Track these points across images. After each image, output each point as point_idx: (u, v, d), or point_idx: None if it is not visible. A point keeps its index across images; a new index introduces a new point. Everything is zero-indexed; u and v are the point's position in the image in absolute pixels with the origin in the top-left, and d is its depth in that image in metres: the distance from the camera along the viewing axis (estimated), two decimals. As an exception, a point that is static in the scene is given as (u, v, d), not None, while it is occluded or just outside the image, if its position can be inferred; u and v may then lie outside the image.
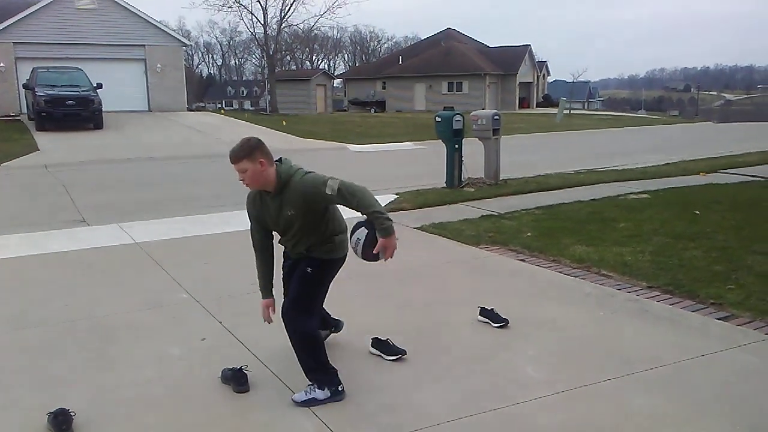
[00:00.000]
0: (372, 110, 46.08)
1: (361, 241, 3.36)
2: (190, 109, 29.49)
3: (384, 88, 50.74)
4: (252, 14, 48.10)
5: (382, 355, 3.97)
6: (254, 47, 65.21)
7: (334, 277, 3.63)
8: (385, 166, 14.50)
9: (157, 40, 26.96)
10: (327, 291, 3.65)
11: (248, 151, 3.29)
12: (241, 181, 3.37)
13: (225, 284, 5.50)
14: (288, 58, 65.19)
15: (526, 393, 3.52)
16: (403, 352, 3.96)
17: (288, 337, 3.49)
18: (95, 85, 20.79)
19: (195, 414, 3.33)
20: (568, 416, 3.31)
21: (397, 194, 9.70)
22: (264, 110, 42.32)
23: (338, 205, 3.46)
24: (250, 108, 64.81)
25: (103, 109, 20.30)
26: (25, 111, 22.96)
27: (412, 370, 3.84)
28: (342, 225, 3.57)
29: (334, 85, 62.68)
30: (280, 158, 3.43)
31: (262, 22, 36.72)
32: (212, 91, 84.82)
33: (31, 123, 20.64)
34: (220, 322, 4.61)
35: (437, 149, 11.62)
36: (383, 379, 3.73)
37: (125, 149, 16.93)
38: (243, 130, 21.80)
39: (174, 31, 28.29)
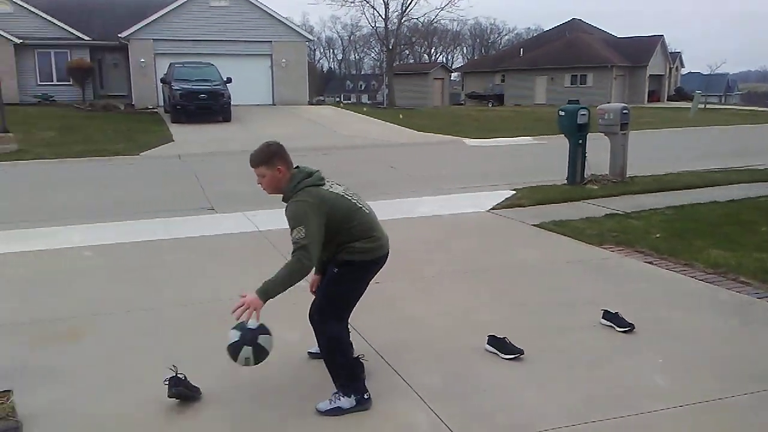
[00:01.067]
0: (490, 104, 45.40)
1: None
2: (310, 103, 30.41)
3: (503, 81, 49.76)
4: (374, 8, 48.97)
5: (498, 353, 3.88)
6: (374, 41, 66.17)
7: (365, 281, 3.38)
8: (502, 161, 14.23)
9: (283, 36, 28.00)
10: (358, 296, 3.40)
11: (267, 157, 3.23)
12: (259, 185, 3.33)
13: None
14: (407, 51, 65.67)
15: (651, 403, 3.31)
16: (521, 352, 3.85)
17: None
18: (225, 79, 21.93)
19: (313, 398, 3.40)
20: (695, 431, 3.08)
21: (514, 190, 9.49)
22: (381, 104, 42.88)
23: (358, 213, 3.29)
24: (368, 102, 65.92)
25: (232, 103, 21.39)
26: (162, 104, 24.64)
27: (529, 370, 3.73)
28: (363, 232, 3.28)
29: (452, 78, 62.32)
30: (297, 167, 3.32)
31: (383, 17, 37.23)
32: (332, 84, 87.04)
33: (166, 115, 22.11)
34: (337, 311, 4.69)
35: (558, 144, 11.24)
36: (499, 377, 3.65)
37: (250, 141, 17.65)
38: (360, 123, 22.21)
39: (299, 26, 29.26)
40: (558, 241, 6.76)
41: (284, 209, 3.22)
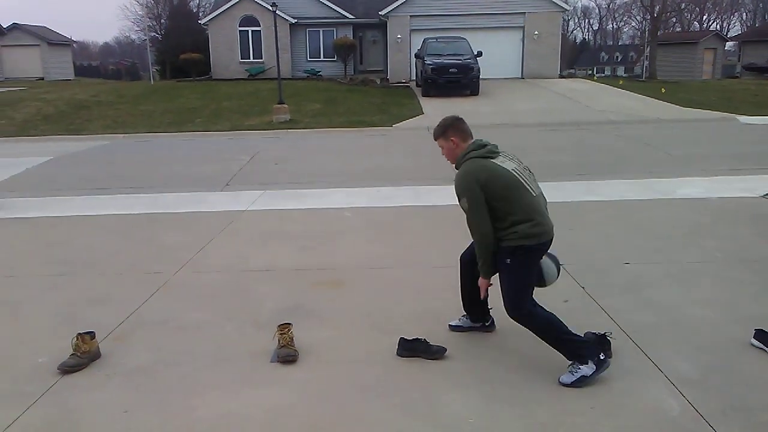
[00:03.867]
0: (771, 76, 39.64)
1: None
2: (561, 76, 29.38)
3: (790, 50, 43.06)
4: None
5: (766, 349, 3.51)
6: (635, 9, 61.61)
7: (535, 263, 3.39)
8: (784, 141, 12.45)
9: (537, 6, 27.27)
10: (535, 276, 3.42)
11: (441, 130, 3.48)
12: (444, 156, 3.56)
13: (589, 253, 5.45)
14: (674, 19, 59.91)
15: None
16: (794, 350, 3.44)
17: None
18: (476, 53, 22.16)
19: (548, 370, 3.41)
20: None
21: (797, 173, 8.30)
22: (639, 77, 39.87)
23: (520, 192, 3.30)
24: (624, 74, 61.76)
25: (480, 76, 21.58)
26: (414, 78, 25.74)
27: (804, 373, 3.31)
28: (524, 214, 3.28)
29: (726, 48, 55.50)
30: (476, 140, 3.44)
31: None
32: (584, 56, 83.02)
33: (418, 89, 23.07)
34: (583, 288, 4.61)
35: None
36: (766, 374, 3.30)
37: (496, 115, 17.78)
38: (615, 97, 20.97)
39: (555, -5, 28.25)
40: None
41: None
